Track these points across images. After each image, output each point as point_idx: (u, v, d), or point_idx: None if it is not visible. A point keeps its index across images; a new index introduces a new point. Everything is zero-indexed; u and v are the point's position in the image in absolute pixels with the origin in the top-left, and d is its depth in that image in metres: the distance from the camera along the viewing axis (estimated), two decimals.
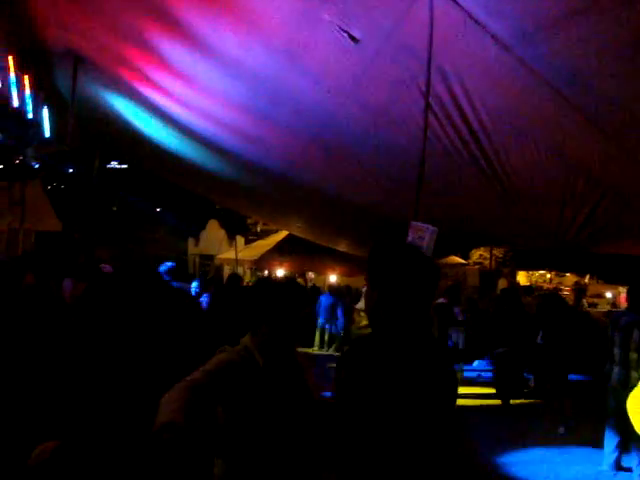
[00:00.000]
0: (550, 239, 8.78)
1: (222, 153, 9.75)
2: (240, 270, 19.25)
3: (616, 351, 6.99)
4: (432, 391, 2.18)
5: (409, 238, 5.49)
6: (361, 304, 15.18)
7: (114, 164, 42.65)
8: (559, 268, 25.43)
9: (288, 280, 2.98)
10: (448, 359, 2.44)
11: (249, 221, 27.63)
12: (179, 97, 8.42)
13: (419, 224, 5.43)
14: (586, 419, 7.94)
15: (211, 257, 24.07)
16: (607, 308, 20.40)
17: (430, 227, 5.38)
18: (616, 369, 6.95)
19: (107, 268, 8.37)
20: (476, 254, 25.47)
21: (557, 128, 5.91)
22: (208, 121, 8.71)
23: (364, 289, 13.30)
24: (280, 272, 18.80)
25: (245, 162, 9.70)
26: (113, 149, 16.57)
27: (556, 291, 11.86)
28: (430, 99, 5.68)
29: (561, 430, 7.96)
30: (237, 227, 24.63)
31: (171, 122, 9.49)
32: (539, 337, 9.21)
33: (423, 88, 5.66)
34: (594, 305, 21.23)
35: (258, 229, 27.73)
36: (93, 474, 3.07)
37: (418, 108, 5.92)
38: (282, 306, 2.79)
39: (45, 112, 9.79)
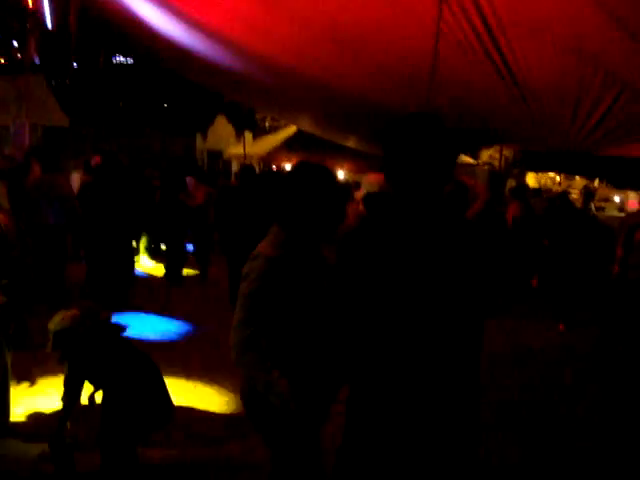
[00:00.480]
0: (562, 139, 8.68)
1: (231, 45, 9.51)
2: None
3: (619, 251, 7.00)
4: (443, 275, 1.97)
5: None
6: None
7: (120, 59, 41.80)
8: (568, 170, 25.14)
9: (325, 169, 2.57)
10: (479, 243, 2.09)
11: (257, 116, 27.28)
12: None
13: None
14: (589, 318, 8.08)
15: (220, 153, 23.89)
16: (615, 212, 20.35)
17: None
18: (617, 269, 6.98)
19: (96, 160, 8.41)
20: (485, 154, 25.08)
21: (576, 22, 5.71)
22: (216, 13, 8.45)
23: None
24: (289, 168, 18.73)
25: (254, 55, 9.46)
26: (119, 41, 16.18)
27: (565, 193, 11.77)
28: None
29: (561, 327, 8.12)
30: (245, 122, 24.34)
31: (178, 13, 9.21)
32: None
33: None
34: (602, 209, 21.16)
35: (267, 125, 27.35)
36: None
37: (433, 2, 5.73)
38: (324, 197, 2.49)
39: (46, 1, 9.52)
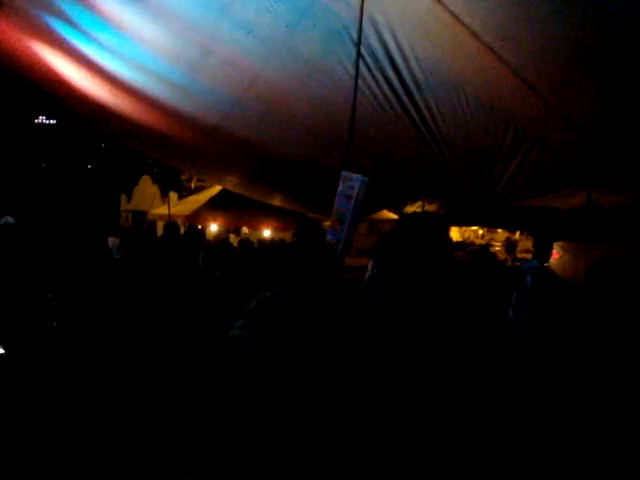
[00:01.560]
0: (481, 193, 8.96)
1: (151, 104, 9.50)
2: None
3: (514, 295, 7.33)
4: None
5: (340, 188, 5.52)
6: None
7: (42, 119, 41.27)
8: (490, 224, 25.90)
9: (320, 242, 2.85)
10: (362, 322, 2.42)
11: (183, 177, 27.18)
12: (108, 46, 8.14)
13: (349, 174, 5.47)
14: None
15: (144, 213, 23.64)
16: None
17: (360, 177, 5.42)
18: (510, 312, 7.31)
19: (9, 219, 8.26)
20: (410, 209, 25.76)
21: (487, 81, 6.00)
22: (138, 71, 8.46)
23: None
24: (214, 227, 18.60)
25: (176, 113, 9.48)
26: (39, 100, 15.97)
27: (487, 246, 12.13)
28: (362, 49, 5.67)
29: None
30: (171, 183, 24.25)
31: (99, 72, 9.17)
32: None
33: (355, 38, 5.64)
34: (523, 260, 21.91)
35: (192, 186, 27.29)
36: None
37: (350, 58, 5.91)
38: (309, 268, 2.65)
39: None
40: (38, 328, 6.98)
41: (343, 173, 5.52)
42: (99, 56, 8.52)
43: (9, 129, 28.70)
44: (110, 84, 9.48)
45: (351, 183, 5.47)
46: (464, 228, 27.43)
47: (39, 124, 39.48)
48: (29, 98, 16.08)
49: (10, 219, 7.89)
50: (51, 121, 39.79)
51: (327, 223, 6.17)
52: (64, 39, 8.36)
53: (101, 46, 8.17)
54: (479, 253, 10.97)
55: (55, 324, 7.75)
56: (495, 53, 5.37)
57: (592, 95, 5.72)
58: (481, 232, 27.58)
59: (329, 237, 5.61)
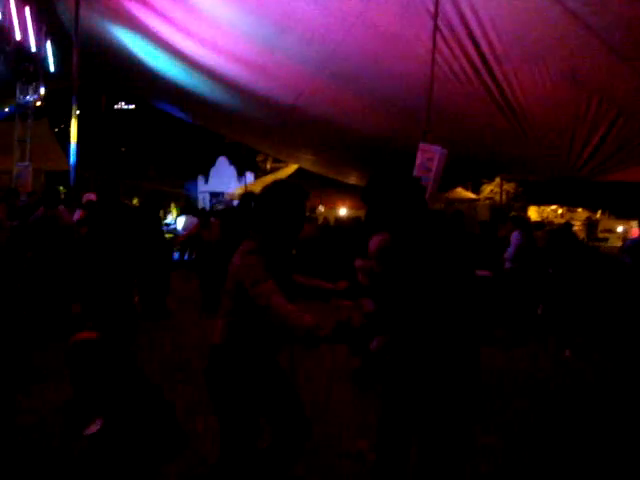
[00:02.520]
0: (561, 167, 8.71)
1: (229, 85, 9.64)
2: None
3: None
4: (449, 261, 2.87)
5: (418, 160, 5.47)
6: None
7: (122, 104, 42.39)
8: (571, 203, 25.16)
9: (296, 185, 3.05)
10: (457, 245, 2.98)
11: (259, 158, 27.45)
12: (184, 27, 8.28)
13: (428, 145, 5.41)
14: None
15: (221, 194, 24.01)
16: (618, 242, 20.30)
17: (439, 148, 5.35)
18: None
19: (91, 196, 8.53)
20: (487, 189, 25.28)
21: (570, 50, 5.80)
22: (214, 52, 8.58)
23: None
24: None
25: (253, 94, 9.58)
26: (120, 87, 16.39)
27: (568, 225, 11.79)
28: (439, 21, 5.59)
29: (567, 353, 8.04)
30: (247, 164, 24.53)
31: (177, 55, 9.35)
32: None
33: (432, 9, 5.56)
34: (605, 240, 21.15)
35: (268, 166, 27.50)
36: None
37: (427, 31, 5.82)
38: (291, 210, 2.98)
39: (49, 45, 9.63)
40: (126, 309, 7.13)
41: (421, 145, 5.46)
42: (175, 37, 8.69)
43: (92, 115, 29.58)
44: (187, 65, 9.66)
45: (430, 154, 5.40)
46: (542, 207, 26.77)
47: (119, 109, 40.62)
48: (110, 84, 16.48)
49: (92, 196, 8.15)
50: (130, 106, 40.88)
51: None
52: (141, 21, 8.55)
53: (176, 27, 8.32)
54: (559, 232, 10.60)
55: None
56: (579, 18, 5.18)
57: None
58: (560, 211, 26.86)
59: None
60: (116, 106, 40.61)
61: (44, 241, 6.63)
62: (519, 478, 4.15)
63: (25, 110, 10.63)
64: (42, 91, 10.34)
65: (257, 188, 19.48)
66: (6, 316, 4.37)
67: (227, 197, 22.24)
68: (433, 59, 5.58)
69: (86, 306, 7.41)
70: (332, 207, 19.33)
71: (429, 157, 5.35)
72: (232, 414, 2.95)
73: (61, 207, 6.88)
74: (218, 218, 9.72)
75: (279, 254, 3.07)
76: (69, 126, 9.40)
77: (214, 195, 25.75)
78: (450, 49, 6.06)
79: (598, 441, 4.78)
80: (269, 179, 20.59)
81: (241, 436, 2.98)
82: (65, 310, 6.84)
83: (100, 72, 12.44)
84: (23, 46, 8.64)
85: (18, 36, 8.38)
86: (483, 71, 6.34)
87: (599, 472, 4.24)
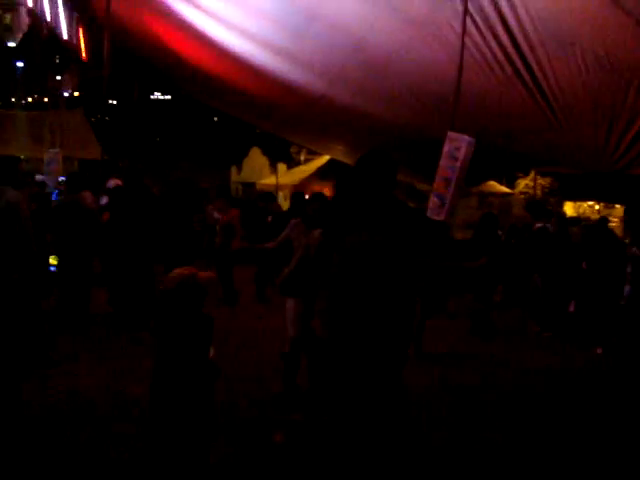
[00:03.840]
0: (596, 160, 8.48)
1: (258, 72, 9.56)
2: (281, 195, 19.19)
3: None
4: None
5: (445, 149, 5.35)
6: None
7: (157, 95, 42.73)
8: (607, 199, 24.62)
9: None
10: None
11: (292, 149, 27.37)
12: (214, 13, 8.24)
13: (456, 134, 5.28)
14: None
15: (254, 184, 24.01)
16: None
17: (467, 137, 5.22)
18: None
19: (112, 182, 8.58)
20: (522, 184, 24.85)
21: (605, 35, 5.60)
22: (244, 38, 8.52)
23: None
24: None
25: (283, 81, 9.50)
26: (153, 76, 16.48)
27: (604, 219, 11.50)
28: (469, 4, 5.43)
29: (599, 351, 7.86)
30: (279, 155, 24.51)
31: (208, 42, 9.31)
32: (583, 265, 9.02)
33: None
34: None
35: (302, 158, 27.38)
36: None
37: (457, 16, 5.66)
38: None
39: (81, 34, 9.64)
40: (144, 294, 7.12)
41: (449, 133, 5.34)
42: (205, 24, 8.64)
43: (128, 105, 29.85)
44: (218, 54, 9.61)
45: (457, 144, 5.28)
46: (579, 203, 26.24)
47: (155, 100, 40.96)
48: (145, 75, 16.59)
49: (118, 182, 8.16)
50: (166, 97, 41.22)
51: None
52: (172, 8, 8.52)
53: (206, 13, 8.28)
54: (595, 228, 10.34)
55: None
56: (617, 2, 4.98)
57: None
58: (597, 207, 26.31)
59: (434, 200, 5.46)
60: (152, 97, 40.96)
61: (65, 225, 6.65)
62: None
63: (56, 98, 10.73)
64: (74, 80, 10.41)
65: (288, 179, 19.51)
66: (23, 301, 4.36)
67: (257, 188, 22.25)
68: (463, 43, 5.45)
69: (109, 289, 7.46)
70: None
71: (456, 146, 5.23)
72: None
73: (86, 192, 6.88)
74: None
75: None
76: (104, 116, 9.44)
77: (246, 186, 25.77)
78: (481, 33, 5.88)
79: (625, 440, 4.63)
80: (301, 170, 20.60)
81: None
82: (84, 296, 6.86)
83: (132, 61, 12.49)
84: (55, 34, 8.64)
85: (50, 24, 8.38)
86: (515, 56, 6.15)
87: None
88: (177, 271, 3.27)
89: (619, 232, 18.36)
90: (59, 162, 10.32)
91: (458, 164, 5.27)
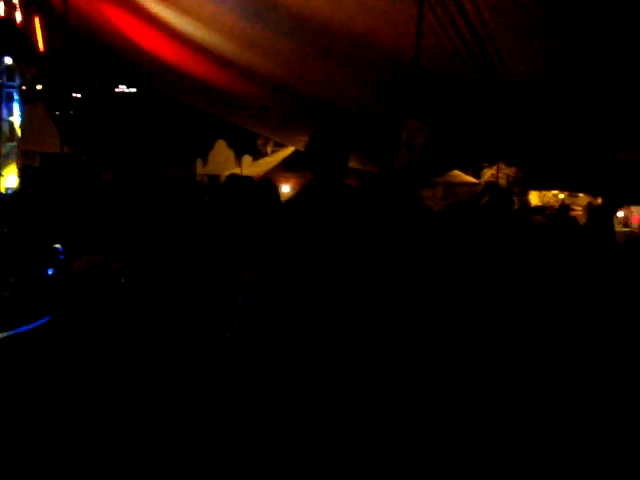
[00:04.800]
0: (559, 148, 8.59)
1: (224, 62, 9.48)
2: None
3: None
4: None
5: (403, 137, 5.34)
6: None
7: (122, 88, 42.15)
8: (571, 188, 24.97)
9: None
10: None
11: (259, 142, 27.25)
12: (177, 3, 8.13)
13: (413, 122, 5.28)
14: None
15: (219, 177, 23.84)
16: (619, 227, 20.13)
17: (424, 125, 5.23)
18: None
19: None
20: (488, 173, 25.14)
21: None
22: (205, 27, 8.43)
23: None
24: (286, 188, 18.64)
25: (247, 70, 9.43)
26: (115, 69, 16.26)
27: (565, 207, 11.64)
28: None
29: None
30: (246, 147, 24.42)
31: (170, 32, 9.19)
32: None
33: None
34: None
35: (268, 150, 27.29)
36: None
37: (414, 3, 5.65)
38: None
39: (37, 23, 9.43)
40: None
41: (406, 121, 5.34)
42: (167, 14, 8.54)
43: (92, 98, 29.46)
44: (181, 44, 9.50)
45: (415, 132, 5.28)
46: (543, 192, 26.59)
47: (120, 93, 40.42)
48: (110, 67, 16.36)
49: None
50: (131, 89, 40.67)
51: None
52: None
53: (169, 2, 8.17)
54: (557, 216, 10.49)
55: None
56: None
57: None
58: (562, 196, 26.68)
59: None
60: (117, 89, 40.43)
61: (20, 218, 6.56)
62: None
63: (11, 90, 10.50)
64: (29, 71, 10.23)
65: (253, 171, 19.43)
66: None
67: (222, 180, 22.12)
68: (419, 30, 5.44)
69: None
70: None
71: (414, 134, 5.23)
72: None
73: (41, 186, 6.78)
74: None
75: None
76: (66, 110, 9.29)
77: (212, 178, 25.63)
78: (438, 19, 5.89)
79: None
80: (265, 161, 20.53)
81: None
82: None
83: (94, 53, 12.31)
84: (8, 22, 8.44)
85: (2, 11, 8.18)
86: (473, 44, 6.18)
87: None
88: (88, 258, 3.24)
89: (582, 220, 18.63)
90: (17, 156, 10.18)
91: (416, 153, 5.28)
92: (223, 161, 25.11)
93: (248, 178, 6.10)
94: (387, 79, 7.59)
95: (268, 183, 7.92)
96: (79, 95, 31.59)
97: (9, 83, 10.08)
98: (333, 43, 7.39)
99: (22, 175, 7.23)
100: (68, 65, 8.88)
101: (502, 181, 23.03)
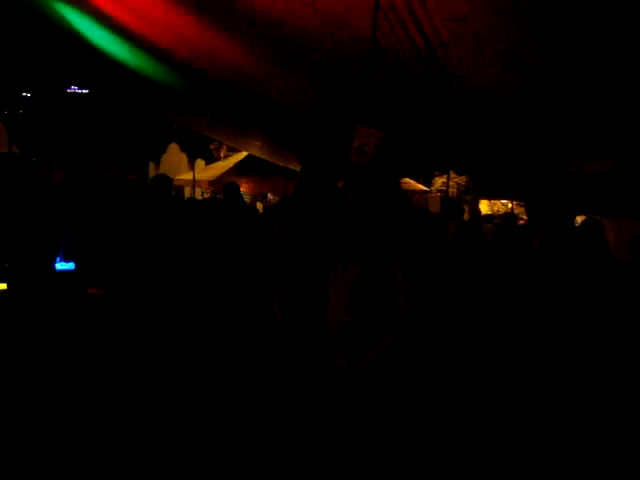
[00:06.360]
0: (511, 157, 8.73)
1: (177, 65, 9.37)
2: (198, 191, 18.99)
3: None
4: None
5: (355, 144, 5.33)
6: None
7: (74, 89, 41.41)
8: (520, 198, 25.42)
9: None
10: None
11: (212, 146, 27.18)
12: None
13: (365, 129, 5.27)
14: None
15: (171, 180, 23.51)
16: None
17: (376, 132, 5.23)
18: None
19: None
20: (439, 182, 25.49)
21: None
22: (156, 29, 8.31)
23: None
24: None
25: (199, 75, 9.35)
26: (69, 68, 15.95)
27: (511, 215, 11.84)
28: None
29: None
30: (198, 151, 24.33)
31: (120, 32, 9.03)
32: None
33: None
34: None
35: (222, 154, 27.22)
36: None
37: (369, 10, 5.67)
38: None
39: None
40: None
41: (358, 127, 5.34)
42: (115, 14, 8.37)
43: (42, 98, 28.96)
44: (131, 44, 9.34)
45: (367, 139, 5.28)
46: (493, 201, 27.03)
47: (71, 93, 39.74)
48: (61, 67, 16.06)
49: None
50: (83, 90, 39.98)
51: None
52: None
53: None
54: (503, 223, 10.68)
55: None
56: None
57: None
58: (510, 205, 27.18)
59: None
60: (69, 90, 39.77)
61: None
62: None
63: None
64: None
65: (206, 175, 19.33)
66: None
67: (175, 184, 21.98)
68: (374, 36, 5.47)
69: None
70: (281, 194, 19.22)
71: (366, 141, 5.23)
72: None
73: None
74: None
75: None
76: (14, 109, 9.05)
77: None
78: (392, 28, 5.93)
79: None
80: (218, 165, 20.42)
81: None
82: None
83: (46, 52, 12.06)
84: None
85: None
86: (426, 53, 6.24)
87: None
88: None
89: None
90: None
91: (367, 159, 5.28)
92: (176, 165, 24.94)
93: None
94: (341, 86, 7.61)
95: (233, 186, 8.01)
96: (29, 94, 31.03)
97: None
98: (284, 49, 7.38)
99: None
100: (17, 63, 8.63)
101: (453, 190, 23.41)
